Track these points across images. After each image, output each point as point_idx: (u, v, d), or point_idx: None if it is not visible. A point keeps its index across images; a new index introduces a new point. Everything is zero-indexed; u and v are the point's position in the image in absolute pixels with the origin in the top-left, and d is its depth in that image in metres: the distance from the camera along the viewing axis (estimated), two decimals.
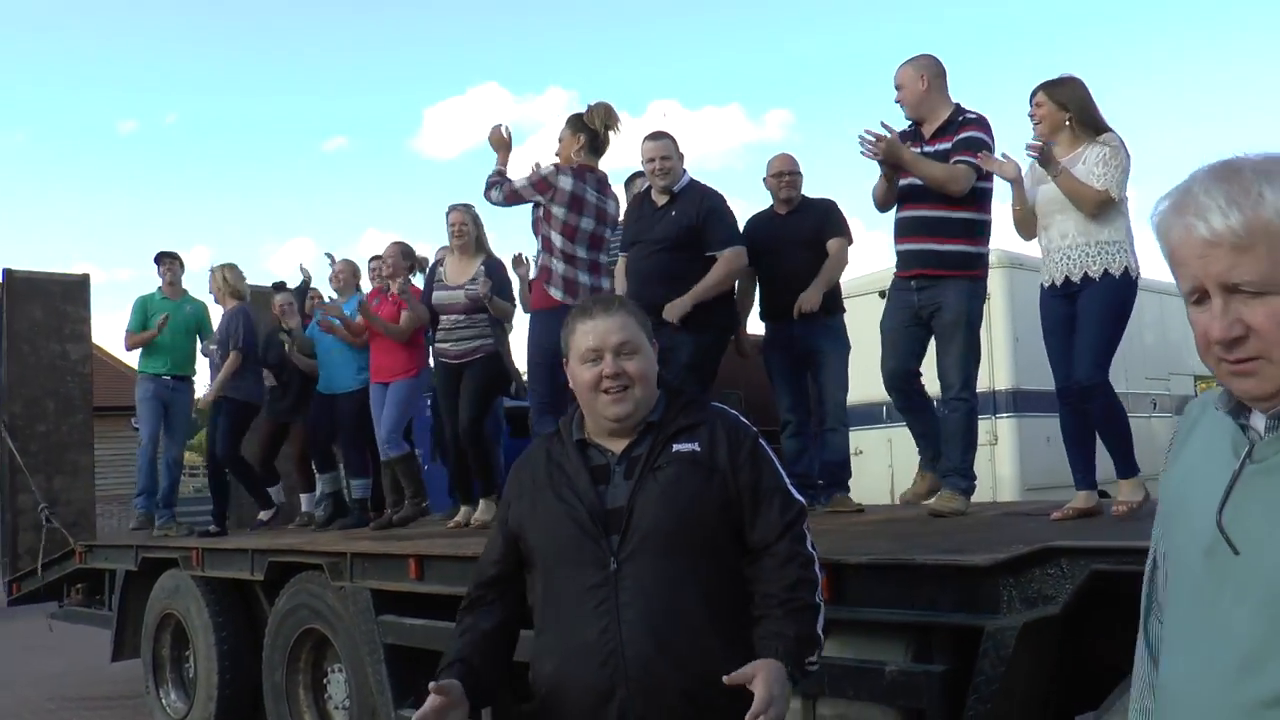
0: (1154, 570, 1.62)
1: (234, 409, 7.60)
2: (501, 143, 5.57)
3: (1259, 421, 1.42)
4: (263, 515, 7.89)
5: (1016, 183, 4.57)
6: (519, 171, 5.55)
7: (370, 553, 5.20)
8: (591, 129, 5.50)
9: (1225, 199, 1.37)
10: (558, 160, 5.54)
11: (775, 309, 5.74)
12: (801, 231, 5.73)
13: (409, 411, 6.78)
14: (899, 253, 4.99)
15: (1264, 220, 1.34)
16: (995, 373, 10.47)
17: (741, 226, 5.65)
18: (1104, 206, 4.32)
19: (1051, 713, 3.41)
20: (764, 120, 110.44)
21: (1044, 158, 4.44)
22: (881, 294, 8.13)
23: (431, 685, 2.35)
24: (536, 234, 5.52)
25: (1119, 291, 4.33)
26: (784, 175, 5.77)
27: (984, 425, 10.50)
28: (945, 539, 3.78)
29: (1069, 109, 4.47)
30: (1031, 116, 4.56)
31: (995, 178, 4.75)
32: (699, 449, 2.51)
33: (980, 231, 4.89)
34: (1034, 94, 4.56)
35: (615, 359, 2.49)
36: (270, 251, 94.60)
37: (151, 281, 8.28)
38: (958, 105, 4.91)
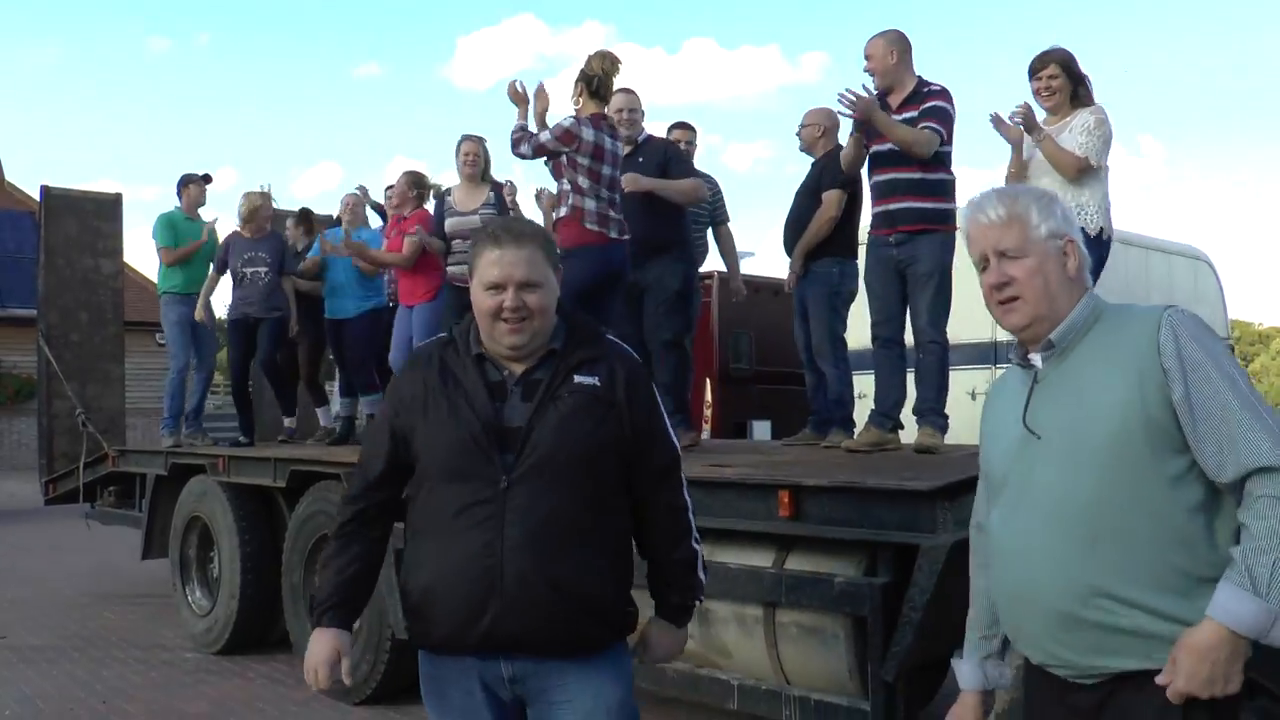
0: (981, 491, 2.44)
1: (278, 325, 7.92)
2: (519, 97, 5.84)
3: (1037, 359, 2.22)
4: (288, 423, 8.27)
5: (1016, 146, 4.90)
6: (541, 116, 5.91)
7: None
8: (591, 75, 5.81)
9: (998, 200, 2.25)
10: (577, 112, 5.88)
11: (787, 252, 6.30)
12: (806, 181, 6.21)
13: (434, 333, 7.12)
14: (877, 213, 5.35)
15: (1017, 212, 2.22)
16: (997, 324, 10.81)
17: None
18: (1083, 172, 4.64)
19: None
20: (800, 62, 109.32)
21: (1028, 124, 4.76)
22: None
23: (324, 648, 2.57)
24: (558, 178, 5.79)
25: (1092, 251, 4.65)
26: (807, 127, 6.26)
27: (983, 375, 10.92)
28: (899, 470, 4.16)
29: (1073, 79, 4.80)
30: (1041, 88, 4.87)
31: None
32: (599, 384, 2.59)
33: (948, 190, 5.25)
34: (1043, 64, 4.85)
35: (517, 292, 2.52)
36: (297, 175, 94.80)
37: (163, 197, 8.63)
38: (920, 78, 5.28)
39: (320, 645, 2.59)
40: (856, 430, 5.85)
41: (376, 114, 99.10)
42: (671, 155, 6.09)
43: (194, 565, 7.69)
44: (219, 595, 7.20)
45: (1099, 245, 4.69)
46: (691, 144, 6.67)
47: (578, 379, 2.59)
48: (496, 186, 6.64)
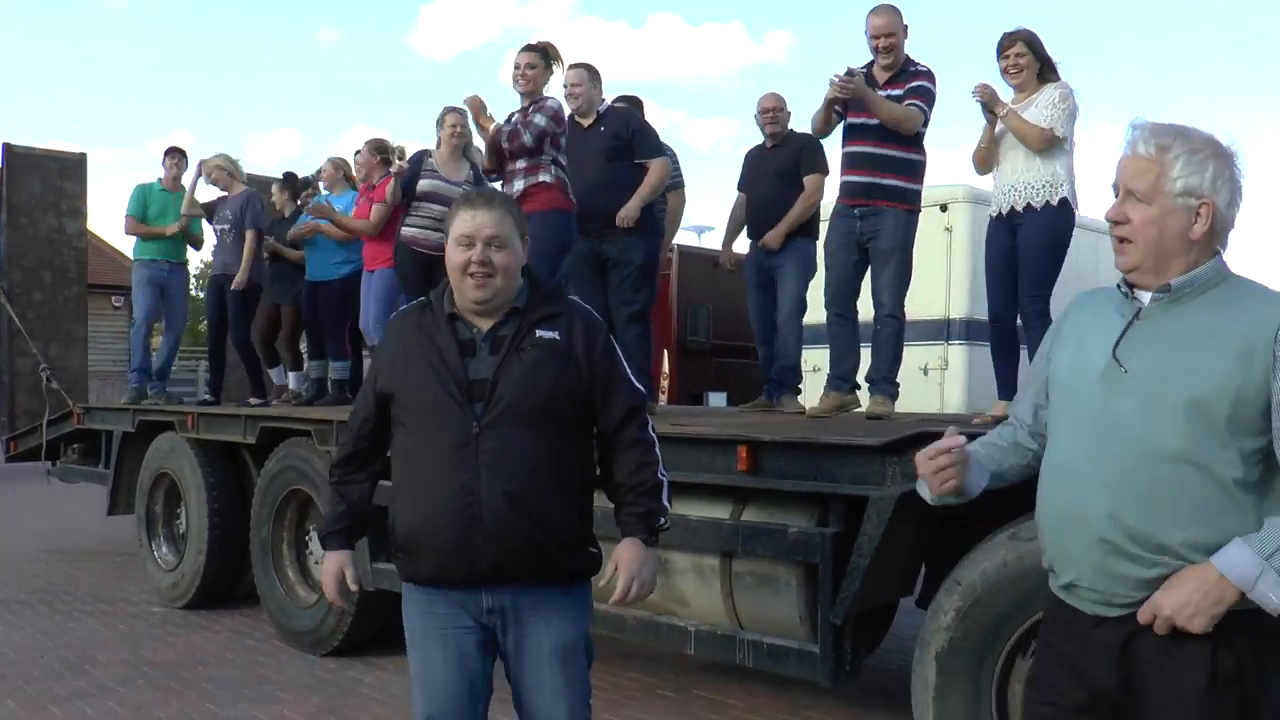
0: (1035, 392, 2.51)
1: (246, 290, 7.97)
2: (481, 107, 6.01)
3: (1144, 296, 2.23)
4: (252, 400, 8.26)
5: (991, 122, 5.08)
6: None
7: None
8: (549, 47, 6.02)
9: (1151, 136, 2.21)
10: (548, 92, 6.06)
11: (754, 231, 6.44)
12: (780, 164, 6.36)
13: (394, 298, 7.23)
14: (845, 183, 5.54)
15: (1162, 157, 2.18)
16: (952, 302, 11.06)
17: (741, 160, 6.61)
18: (1049, 144, 4.84)
19: (925, 571, 4.08)
20: (765, 40, 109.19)
21: (990, 102, 4.96)
22: (943, 207, 8.89)
23: (333, 565, 3.00)
24: (524, 154, 5.90)
25: (1056, 220, 4.86)
26: (769, 112, 6.40)
27: (936, 350, 11.21)
28: (851, 430, 4.37)
29: (1039, 58, 4.99)
30: (1009, 66, 5.04)
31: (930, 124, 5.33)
32: (559, 337, 2.85)
33: (917, 170, 5.45)
34: (1010, 43, 5.04)
35: (484, 248, 2.78)
36: (254, 140, 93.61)
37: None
38: (908, 57, 5.45)
39: (328, 564, 3.04)
40: (804, 399, 6.14)
41: (337, 81, 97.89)
42: (635, 129, 6.11)
43: (160, 521, 7.80)
44: (186, 550, 7.32)
45: (1066, 214, 4.89)
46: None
47: (539, 333, 2.85)
48: (476, 166, 6.73)
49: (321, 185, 8.02)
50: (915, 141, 5.39)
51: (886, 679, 5.54)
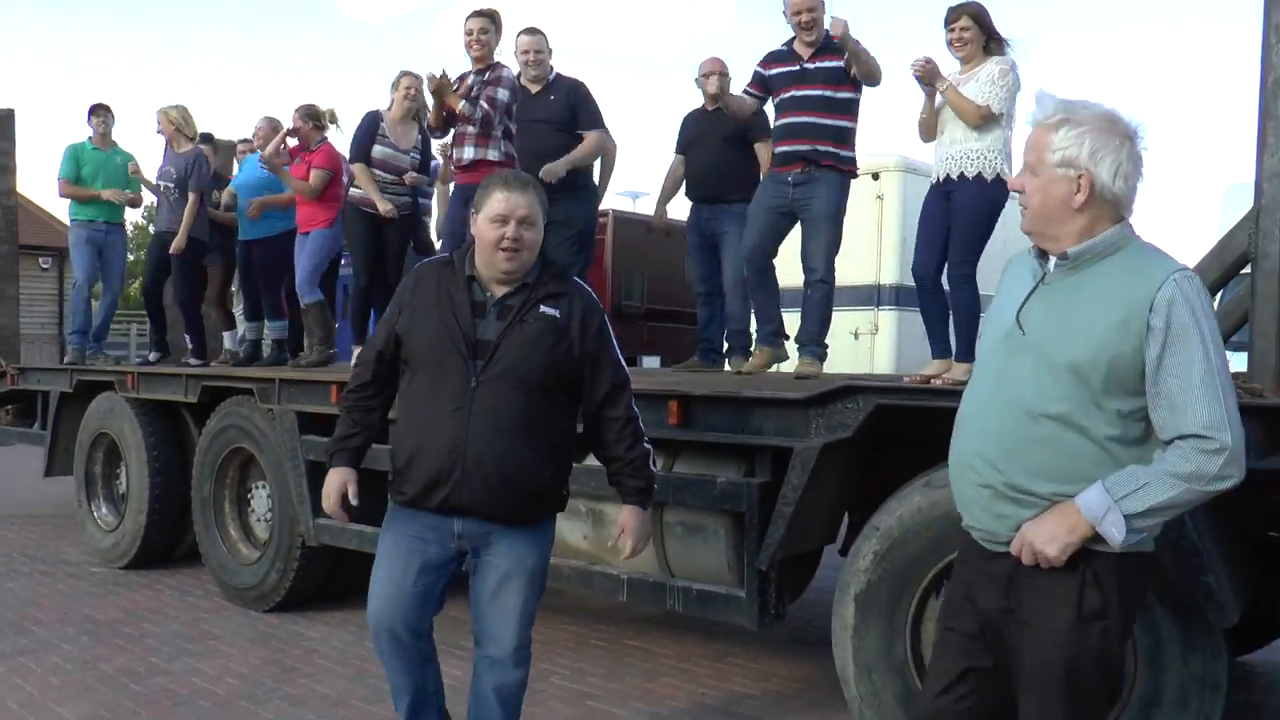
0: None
1: (190, 249, 7.81)
2: (447, 85, 6.03)
3: (1050, 263, 2.43)
4: (191, 361, 8.17)
5: (931, 94, 5.24)
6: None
7: (296, 379, 5.90)
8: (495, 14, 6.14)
9: (1046, 109, 2.40)
10: (499, 59, 6.16)
11: (695, 194, 6.52)
12: (725, 128, 6.42)
13: (325, 259, 7.24)
14: (781, 153, 5.67)
15: (1045, 132, 2.38)
16: (883, 268, 11.34)
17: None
18: (984, 120, 5.00)
19: (849, 520, 4.32)
20: (703, 3, 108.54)
21: (930, 77, 5.12)
22: (875, 175, 9.02)
23: (337, 479, 3.37)
24: (483, 128, 6.01)
25: (988, 193, 5.00)
26: (711, 76, 6.45)
27: (866, 315, 11.49)
28: (778, 385, 4.58)
29: (985, 31, 5.15)
30: (954, 39, 5.20)
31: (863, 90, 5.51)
32: (559, 316, 3.28)
33: (849, 138, 5.62)
34: (955, 16, 5.18)
35: (518, 227, 3.21)
36: (171, 101, 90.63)
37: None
38: (827, 30, 5.61)
39: (332, 478, 3.41)
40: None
41: (257, 40, 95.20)
42: (579, 98, 6.28)
43: (100, 482, 7.80)
44: (126, 510, 7.36)
45: (1000, 189, 5.05)
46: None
47: (543, 309, 3.28)
48: (424, 132, 6.78)
49: (256, 144, 8.00)
50: (848, 110, 5.56)
51: (810, 628, 5.80)
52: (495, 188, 3.29)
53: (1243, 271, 3.98)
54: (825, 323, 5.68)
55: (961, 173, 5.04)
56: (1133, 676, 3.36)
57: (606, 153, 6.75)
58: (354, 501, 3.38)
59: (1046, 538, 2.33)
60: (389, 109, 6.72)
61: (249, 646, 5.51)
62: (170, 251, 7.68)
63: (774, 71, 5.69)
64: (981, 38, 5.12)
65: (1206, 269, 3.98)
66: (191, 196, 7.70)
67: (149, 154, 8.54)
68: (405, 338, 3.34)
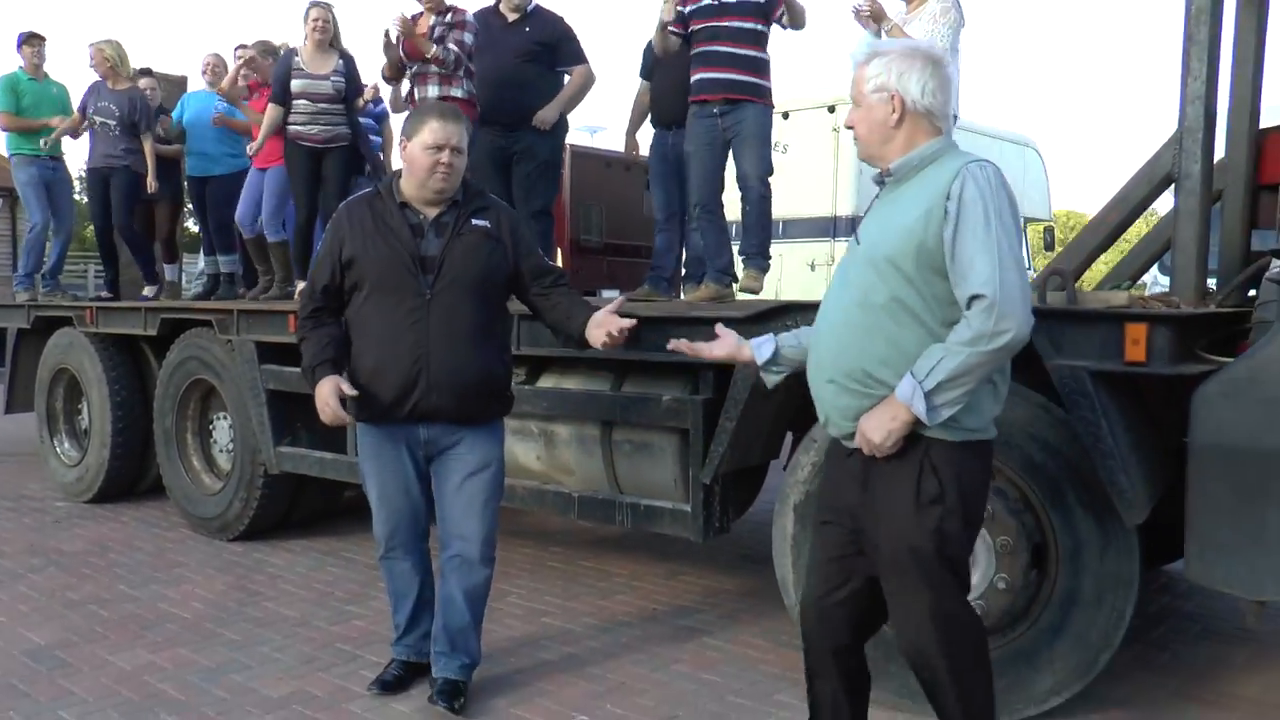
0: None
1: (130, 178, 7.85)
2: (410, 29, 6.01)
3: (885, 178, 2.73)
4: (147, 292, 8.20)
5: (878, 31, 5.30)
6: None
7: (254, 309, 5.97)
8: None
9: (861, 54, 2.72)
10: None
11: (660, 119, 6.48)
12: (686, 56, 6.38)
13: (288, 195, 7.31)
14: (704, 80, 5.61)
15: (862, 68, 2.70)
16: (839, 200, 11.48)
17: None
18: None
19: (793, 438, 4.47)
20: None
21: (875, 15, 5.21)
22: (831, 108, 8.88)
23: (329, 385, 3.59)
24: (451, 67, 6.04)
25: None
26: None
27: (823, 247, 11.64)
28: (727, 308, 4.71)
29: None
30: None
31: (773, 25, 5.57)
32: (490, 225, 3.70)
33: (766, 69, 5.64)
34: None
35: (451, 154, 3.59)
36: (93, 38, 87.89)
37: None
38: None
39: (325, 387, 3.62)
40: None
41: None
42: (561, 34, 6.20)
43: (61, 417, 7.86)
44: (89, 445, 7.43)
45: None
46: None
47: (474, 221, 3.69)
48: (346, 56, 6.77)
49: (205, 80, 7.97)
50: (758, 42, 5.59)
51: (757, 546, 5.99)
52: (430, 118, 3.62)
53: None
54: (767, 234, 5.69)
55: None
56: (1054, 577, 3.55)
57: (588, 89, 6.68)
58: (350, 393, 3.61)
59: (874, 426, 2.58)
60: (304, 43, 6.67)
61: (214, 573, 5.63)
62: (149, 194, 7.67)
63: (691, 8, 5.68)
64: None
65: (1134, 188, 4.13)
66: (149, 141, 7.69)
67: (76, 87, 8.35)
68: (354, 263, 3.62)
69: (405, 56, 6.12)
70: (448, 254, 3.60)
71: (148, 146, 7.75)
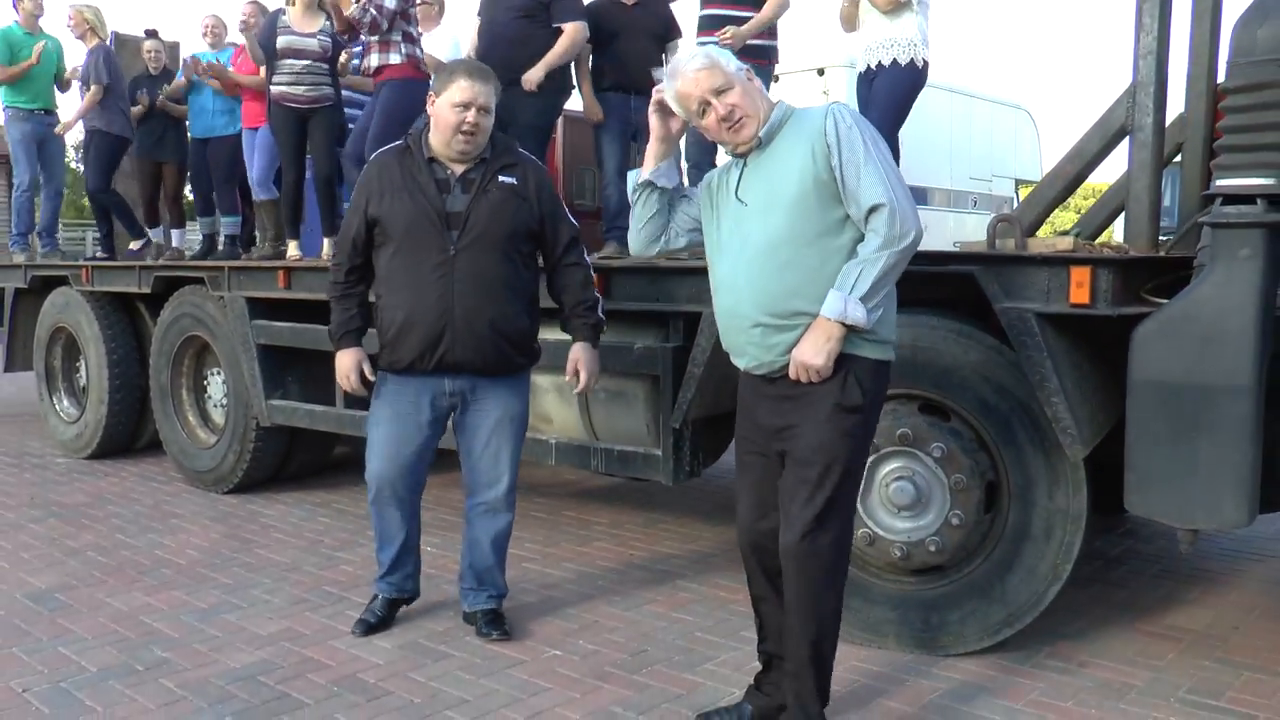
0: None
1: (104, 142, 7.93)
2: None
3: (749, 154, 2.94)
4: (133, 245, 8.30)
5: None
6: None
7: (245, 266, 6.11)
8: None
9: (691, 58, 2.94)
10: None
11: (619, 84, 6.43)
12: (649, 24, 6.44)
13: (279, 155, 7.40)
14: (705, 44, 5.77)
15: (711, 60, 2.91)
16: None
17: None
18: (894, 6, 5.20)
19: None
20: None
21: None
22: (820, 71, 8.89)
23: (352, 360, 3.86)
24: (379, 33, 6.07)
25: (906, 77, 5.25)
26: None
27: None
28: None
29: None
30: None
31: None
32: (517, 183, 3.76)
33: (770, 30, 5.74)
34: None
35: (477, 114, 3.63)
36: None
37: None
38: None
39: (346, 358, 3.87)
40: None
41: None
42: None
43: (60, 375, 8.01)
44: (88, 402, 7.58)
45: (913, 72, 5.26)
46: None
47: (501, 178, 3.73)
48: (329, 15, 6.79)
49: (206, 41, 8.05)
50: (758, 4, 5.69)
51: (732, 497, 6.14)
52: (460, 75, 3.67)
53: None
54: None
55: (880, 61, 5.27)
56: (1005, 512, 3.71)
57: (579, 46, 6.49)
58: (371, 377, 3.85)
59: (812, 352, 2.78)
60: (291, 4, 6.69)
61: (209, 523, 5.79)
62: (57, 131, 7.76)
63: None
64: None
65: (1089, 140, 4.24)
66: (94, 88, 7.74)
67: (71, 48, 8.46)
68: (380, 221, 3.71)
69: (338, 29, 6.26)
70: (473, 210, 3.67)
71: (90, 96, 7.77)
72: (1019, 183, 13.75)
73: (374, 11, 5.95)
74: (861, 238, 2.81)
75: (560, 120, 10.97)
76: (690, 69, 2.92)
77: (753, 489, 3.09)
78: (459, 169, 3.72)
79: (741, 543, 3.15)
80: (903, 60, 5.24)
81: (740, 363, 3.04)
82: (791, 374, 2.85)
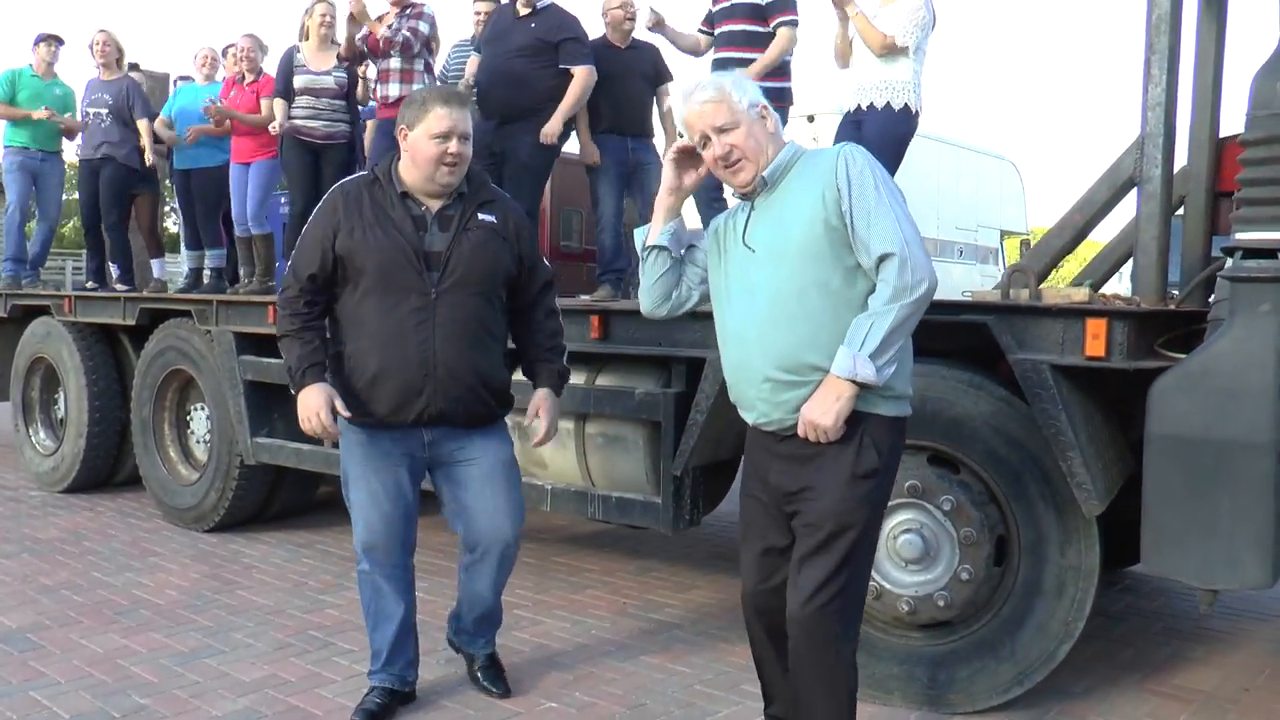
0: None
1: (118, 172, 7.80)
2: (364, 13, 6.12)
3: (755, 196, 2.81)
4: (119, 287, 8.03)
5: (842, 20, 5.36)
6: None
7: (234, 300, 6.01)
8: None
9: (703, 87, 2.79)
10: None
11: (615, 127, 6.35)
12: (641, 65, 6.44)
13: (272, 189, 7.29)
14: (725, 75, 5.75)
15: (721, 93, 2.77)
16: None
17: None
18: (888, 50, 5.13)
19: None
20: None
21: (838, 1, 5.26)
22: (811, 118, 8.87)
23: (320, 397, 3.34)
24: (404, 59, 6.13)
25: (895, 122, 5.16)
26: (621, 8, 6.45)
27: None
28: None
29: None
30: None
31: None
32: (496, 222, 3.48)
33: (784, 70, 5.65)
34: None
35: (459, 142, 3.32)
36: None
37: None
38: None
39: (313, 395, 3.35)
40: None
41: None
42: (567, 36, 5.92)
43: (38, 406, 7.86)
44: (65, 434, 7.43)
45: (907, 119, 5.20)
46: None
47: (481, 216, 3.45)
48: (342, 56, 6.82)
49: (201, 75, 7.98)
50: (762, 44, 5.65)
51: (730, 545, 6.03)
52: (435, 103, 3.34)
53: None
54: None
55: (871, 102, 5.21)
56: (1016, 568, 3.63)
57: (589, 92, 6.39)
58: (346, 414, 3.37)
59: (820, 412, 2.64)
60: (305, 38, 6.70)
61: (189, 562, 5.65)
62: (145, 164, 7.65)
63: (718, 7, 5.74)
64: None
65: (1098, 191, 4.22)
66: (144, 122, 7.68)
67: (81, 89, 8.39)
68: (349, 258, 3.33)
69: (364, 50, 6.24)
70: (455, 250, 3.36)
71: (143, 126, 7.69)
72: (1004, 233, 13.83)
73: (407, 33, 5.93)
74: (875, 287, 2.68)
75: None
76: (698, 99, 2.79)
77: (759, 549, 2.94)
78: (435, 205, 3.41)
79: (746, 605, 3.03)
80: (895, 104, 5.17)
81: (749, 417, 2.89)
82: (800, 432, 2.71)
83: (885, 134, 5.19)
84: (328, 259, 3.37)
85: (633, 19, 6.30)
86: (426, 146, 3.32)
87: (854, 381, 2.61)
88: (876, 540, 2.86)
